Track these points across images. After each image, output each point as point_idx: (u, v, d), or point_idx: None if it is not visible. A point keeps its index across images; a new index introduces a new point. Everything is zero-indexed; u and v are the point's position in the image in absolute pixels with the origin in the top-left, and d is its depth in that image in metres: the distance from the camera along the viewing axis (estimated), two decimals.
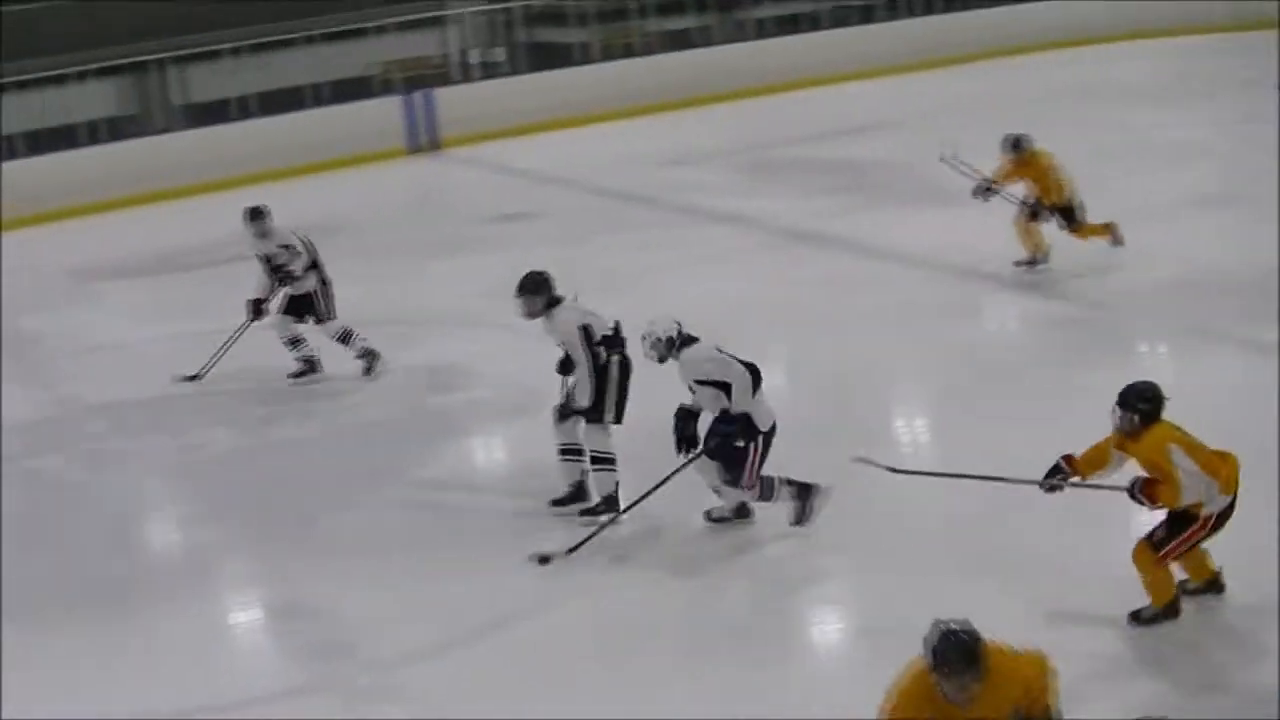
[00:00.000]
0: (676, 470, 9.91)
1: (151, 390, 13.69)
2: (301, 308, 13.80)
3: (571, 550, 9.77)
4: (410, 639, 9.09)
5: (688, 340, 9.85)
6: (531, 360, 11.45)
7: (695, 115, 26.18)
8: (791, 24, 29.23)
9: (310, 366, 13.91)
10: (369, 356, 13.90)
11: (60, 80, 25.07)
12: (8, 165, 23.38)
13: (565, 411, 10.46)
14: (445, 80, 27.26)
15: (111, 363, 13.96)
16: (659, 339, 9.83)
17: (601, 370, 10.27)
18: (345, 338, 13.90)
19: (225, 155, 24.18)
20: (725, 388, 9.70)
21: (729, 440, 9.73)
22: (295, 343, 13.86)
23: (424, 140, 25.89)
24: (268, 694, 8.65)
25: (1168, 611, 8.38)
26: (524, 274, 10.56)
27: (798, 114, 25.48)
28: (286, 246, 13.64)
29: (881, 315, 14.26)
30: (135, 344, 13.70)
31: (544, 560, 9.73)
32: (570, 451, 10.62)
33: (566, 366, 10.45)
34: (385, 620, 9.34)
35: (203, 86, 26.50)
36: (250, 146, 24.50)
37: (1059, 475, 8.53)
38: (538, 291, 10.52)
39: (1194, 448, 8.12)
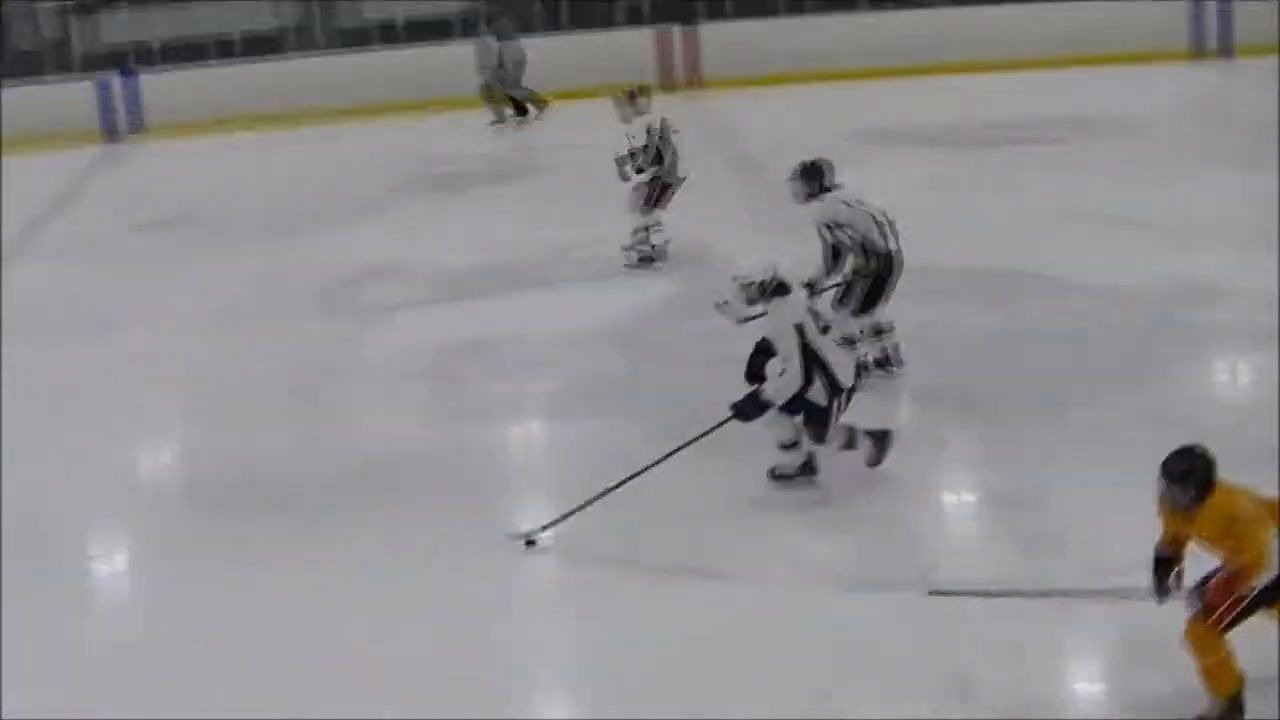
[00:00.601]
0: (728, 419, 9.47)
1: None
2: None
3: (546, 527, 9.20)
4: (1122, 545, 8.53)
5: (782, 289, 9.37)
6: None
7: None
8: None
9: (651, 257, 15.24)
10: (652, 255, 15.20)
11: None
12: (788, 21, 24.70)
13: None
14: None
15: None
16: (751, 281, 9.35)
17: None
18: (647, 233, 15.20)
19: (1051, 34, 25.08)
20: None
21: (811, 401, 9.36)
22: (644, 229, 15.17)
23: (1209, 45, 25.58)
24: (985, 577, 8.64)
25: (1232, 709, 6.93)
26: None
27: None
28: (635, 137, 14.82)
29: None
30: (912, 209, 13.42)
31: (530, 542, 9.15)
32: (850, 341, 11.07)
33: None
34: (1099, 523, 9.08)
35: None
36: (1029, 30, 25.32)
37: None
38: (812, 178, 11.30)
39: (1249, 502, 6.84)
